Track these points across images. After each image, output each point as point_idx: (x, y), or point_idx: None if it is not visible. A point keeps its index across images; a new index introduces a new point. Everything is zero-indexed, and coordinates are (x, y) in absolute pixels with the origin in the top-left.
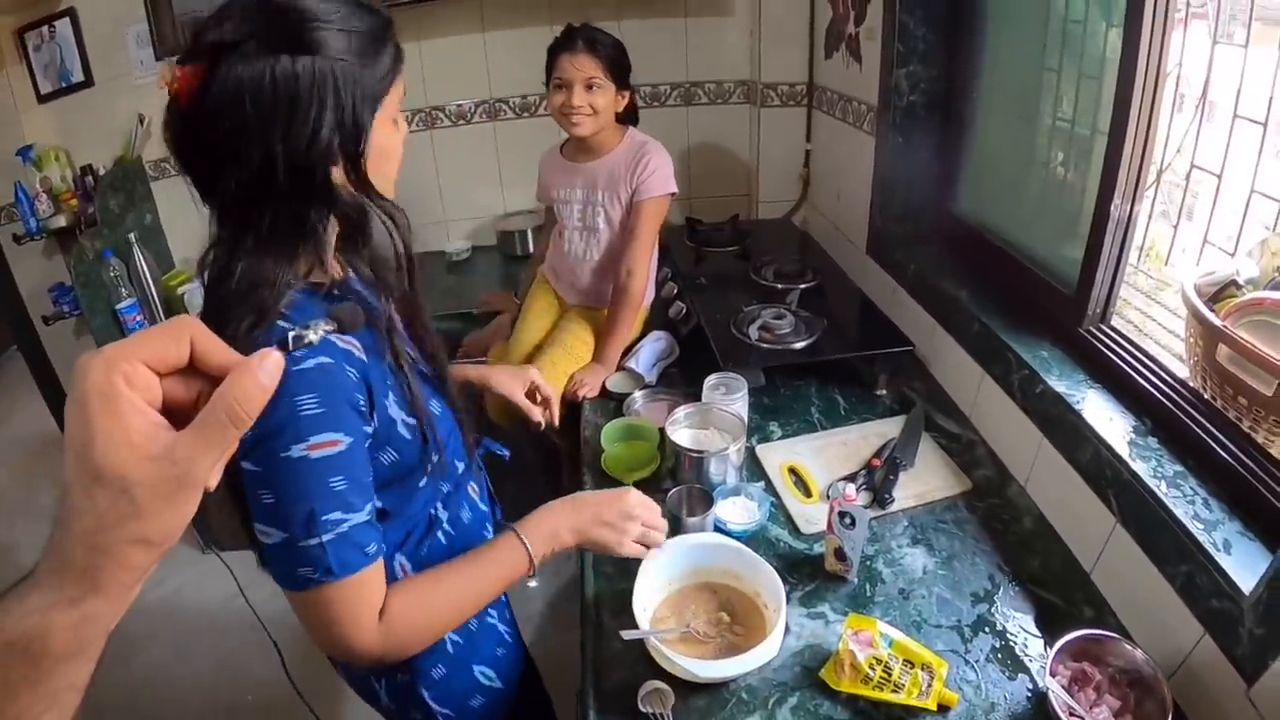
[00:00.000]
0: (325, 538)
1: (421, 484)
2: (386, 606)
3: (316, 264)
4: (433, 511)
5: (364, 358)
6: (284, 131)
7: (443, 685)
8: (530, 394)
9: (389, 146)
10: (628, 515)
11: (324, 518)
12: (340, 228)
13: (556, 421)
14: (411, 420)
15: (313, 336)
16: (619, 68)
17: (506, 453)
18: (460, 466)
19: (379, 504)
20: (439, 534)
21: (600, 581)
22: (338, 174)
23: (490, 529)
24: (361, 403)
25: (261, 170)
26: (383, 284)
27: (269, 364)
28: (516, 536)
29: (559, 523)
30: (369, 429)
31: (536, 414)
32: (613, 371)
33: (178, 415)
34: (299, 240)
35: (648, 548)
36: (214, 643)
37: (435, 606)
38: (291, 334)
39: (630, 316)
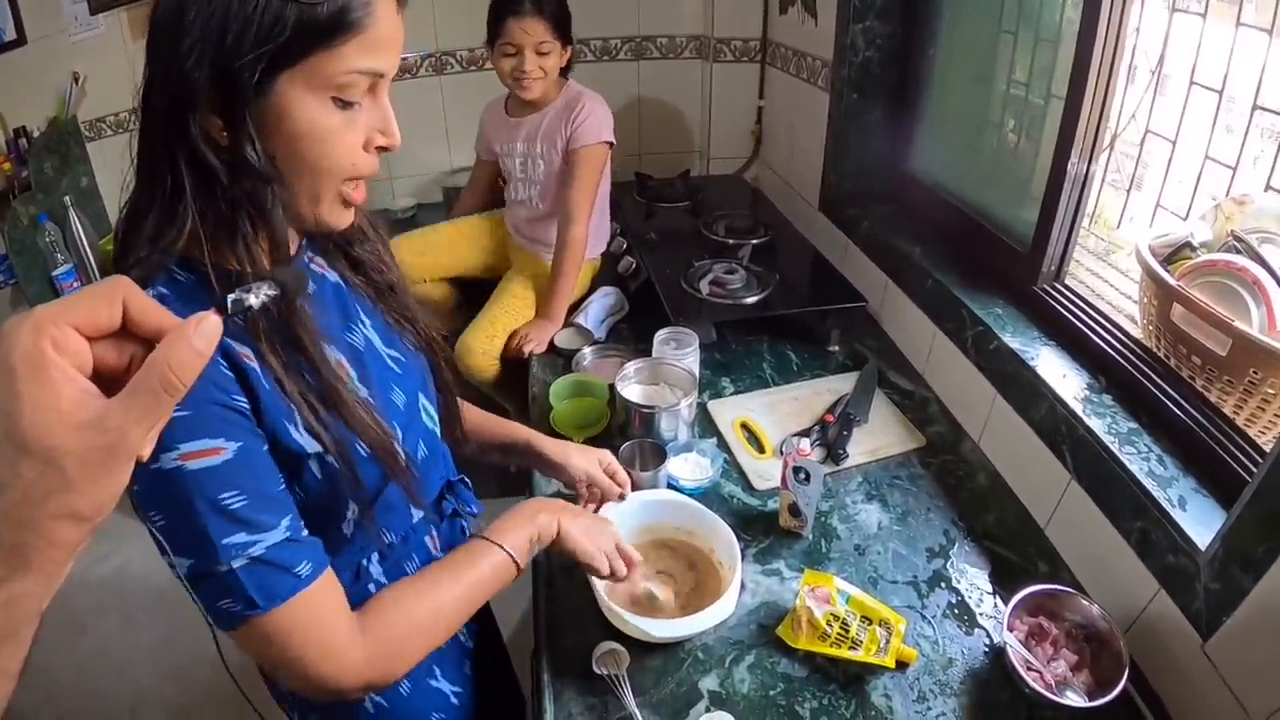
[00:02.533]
0: (235, 564)
1: (346, 532)
2: (367, 622)
3: (195, 232)
4: (363, 562)
5: (255, 364)
6: (160, 46)
7: None
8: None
9: (317, 127)
10: (602, 529)
11: (224, 542)
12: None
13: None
14: (331, 459)
15: (253, 300)
16: (564, 25)
17: (479, 510)
18: (417, 515)
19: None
20: (368, 587)
21: None
22: (215, 126)
23: None
24: (242, 404)
25: (147, 85)
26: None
27: (205, 328)
28: (485, 540)
29: (533, 514)
30: (262, 434)
31: (615, 490)
32: (560, 326)
33: (109, 381)
34: (169, 191)
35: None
36: (164, 616)
37: (420, 615)
38: (231, 297)
39: (574, 266)
